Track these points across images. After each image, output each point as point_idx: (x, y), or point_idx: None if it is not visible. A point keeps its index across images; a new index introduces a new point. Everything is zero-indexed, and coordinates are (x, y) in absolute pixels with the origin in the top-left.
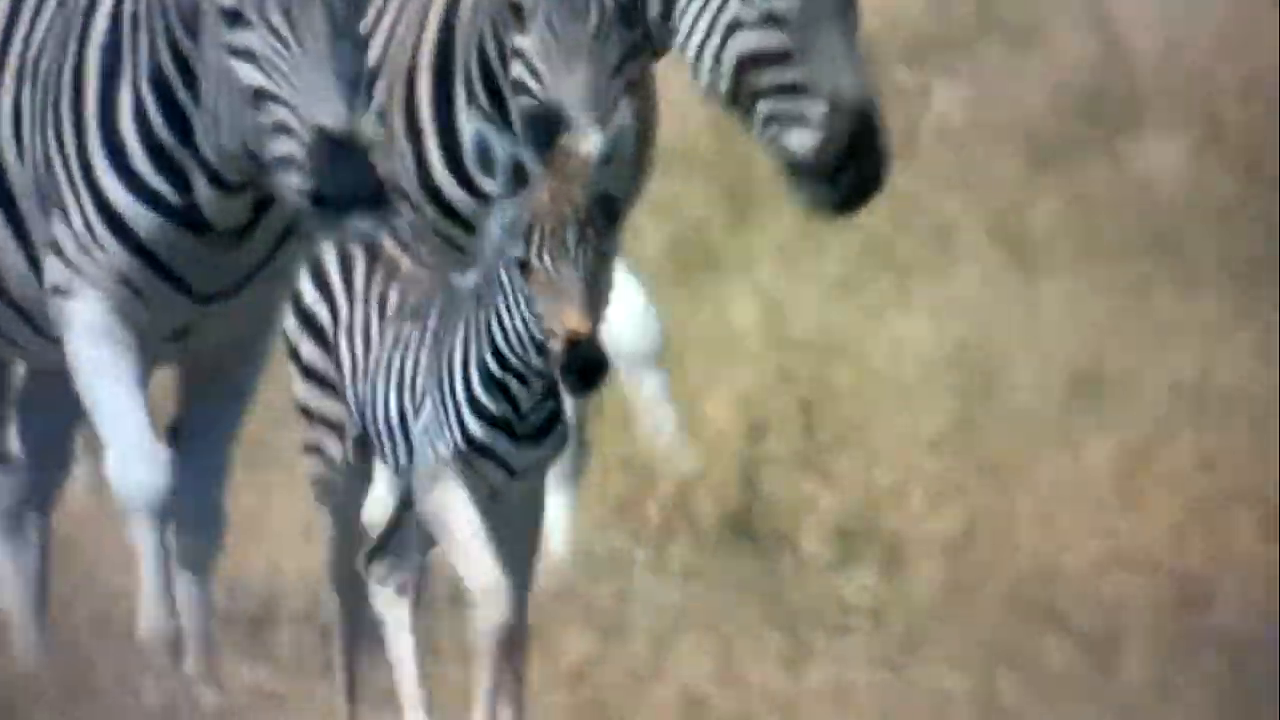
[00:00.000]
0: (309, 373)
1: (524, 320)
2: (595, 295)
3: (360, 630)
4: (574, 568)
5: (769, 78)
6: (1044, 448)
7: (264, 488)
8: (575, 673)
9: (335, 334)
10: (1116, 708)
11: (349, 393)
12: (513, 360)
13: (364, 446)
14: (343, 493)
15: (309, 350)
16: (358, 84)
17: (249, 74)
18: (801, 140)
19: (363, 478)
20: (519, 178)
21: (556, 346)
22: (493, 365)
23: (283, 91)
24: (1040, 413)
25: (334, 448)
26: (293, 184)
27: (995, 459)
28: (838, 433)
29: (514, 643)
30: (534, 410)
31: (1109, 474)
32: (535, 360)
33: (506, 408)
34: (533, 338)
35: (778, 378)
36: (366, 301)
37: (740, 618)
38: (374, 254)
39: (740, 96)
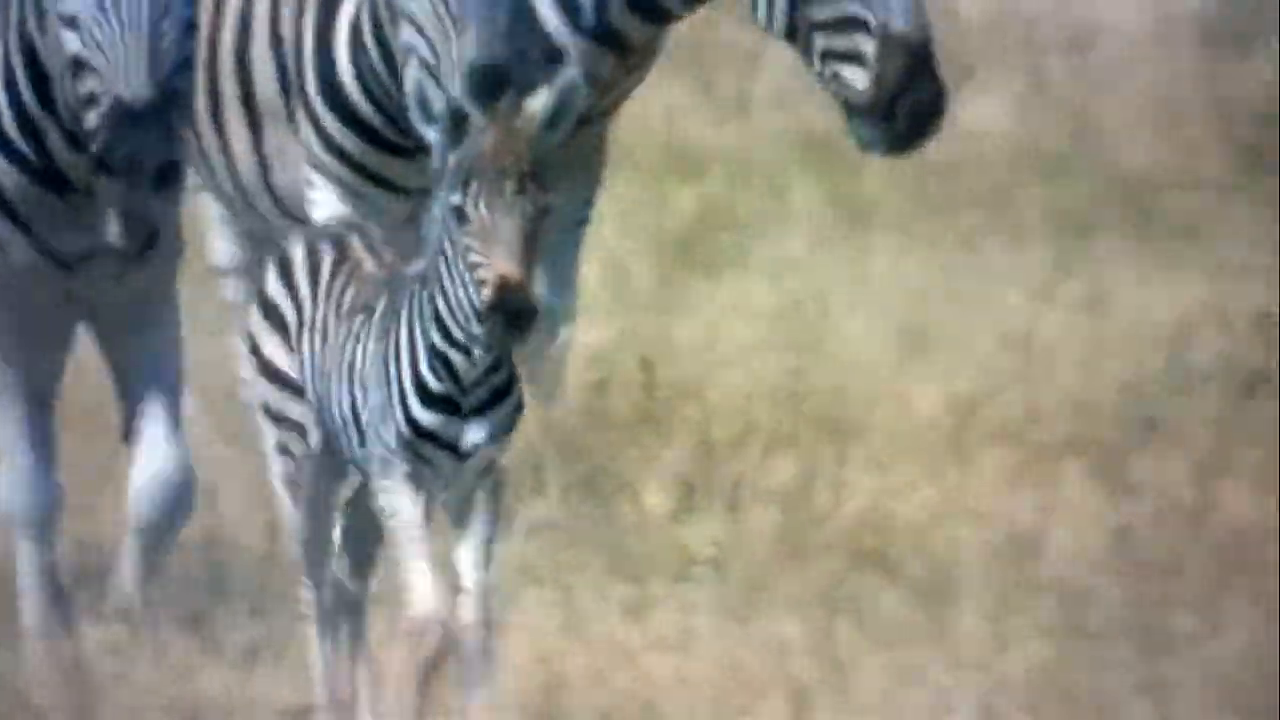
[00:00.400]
0: (271, 372)
1: (464, 285)
2: (530, 246)
3: (338, 619)
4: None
5: (823, 11)
6: (876, 400)
7: (112, 446)
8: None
9: (299, 332)
10: (952, 656)
11: (310, 391)
12: (454, 329)
13: (330, 444)
14: (312, 489)
15: (272, 348)
16: (169, 59)
17: (70, 41)
18: (855, 77)
19: (333, 473)
20: (460, 128)
21: (487, 293)
22: (435, 337)
23: (96, 61)
24: (872, 366)
25: (298, 447)
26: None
27: (829, 411)
28: (678, 387)
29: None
30: (477, 385)
31: (940, 426)
32: (475, 328)
33: (450, 384)
34: (472, 303)
35: (619, 335)
36: (328, 299)
37: (586, 570)
38: (341, 254)
39: (797, 31)
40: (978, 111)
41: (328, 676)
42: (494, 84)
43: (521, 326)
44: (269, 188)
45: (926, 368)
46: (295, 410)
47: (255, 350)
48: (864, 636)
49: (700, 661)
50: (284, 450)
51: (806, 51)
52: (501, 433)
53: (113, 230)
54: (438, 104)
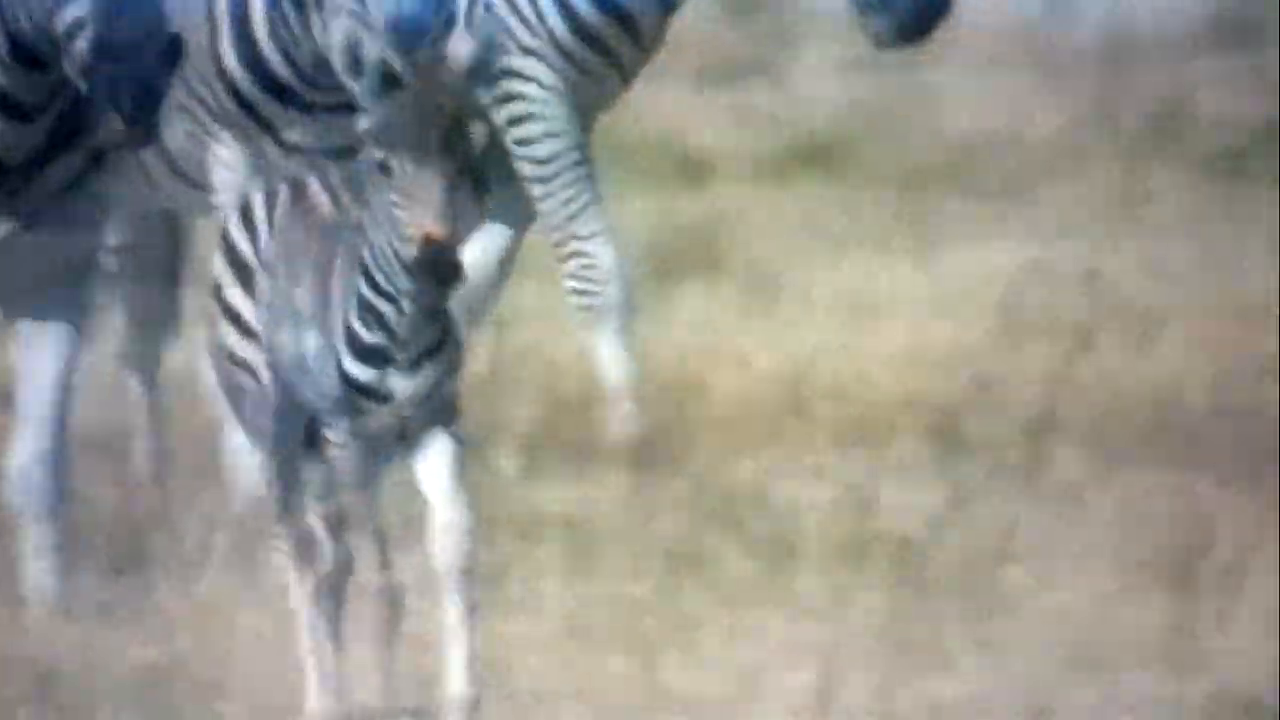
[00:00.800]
0: (231, 315)
1: (389, 238)
2: (455, 203)
3: (313, 558)
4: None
5: None
6: (716, 359)
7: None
8: (283, 589)
9: (258, 274)
10: (794, 611)
11: (262, 334)
12: (381, 281)
13: (285, 388)
14: (272, 434)
15: (233, 291)
16: None
17: None
18: None
19: (293, 417)
20: (386, 82)
21: (412, 250)
22: (365, 290)
23: None
24: (712, 324)
25: (249, 385)
26: (79, 49)
27: (671, 370)
28: (525, 348)
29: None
30: (413, 338)
31: (777, 384)
32: (403, 281)
33: (381, 335)
34: (398, 255)
35: None
36: (281, 244)
37: None
38: (298, 195)
39: None
40: (807, 72)
41: (317, 649)
42: (414, 37)
43: (447, 282)
44: (163, 154)
45: (764, 325)
46: (248, 351)
47: (218, 293)
48: (708, 593)
49: (549, 621)
50: (238, 391)
51: None
52: (439, 381)
53: (115, 125)
54: (370, 56)
